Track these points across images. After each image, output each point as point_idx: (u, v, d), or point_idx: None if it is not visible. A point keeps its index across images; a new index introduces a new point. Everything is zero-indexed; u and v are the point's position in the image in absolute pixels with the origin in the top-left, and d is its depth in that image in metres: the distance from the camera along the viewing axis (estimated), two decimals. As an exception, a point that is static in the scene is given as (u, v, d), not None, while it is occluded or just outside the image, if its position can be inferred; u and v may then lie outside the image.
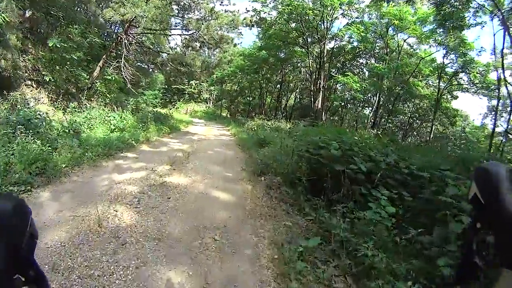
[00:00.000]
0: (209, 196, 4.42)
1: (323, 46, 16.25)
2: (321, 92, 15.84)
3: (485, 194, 0.58)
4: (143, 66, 27.76)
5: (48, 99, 9.97)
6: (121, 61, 11.07)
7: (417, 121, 25.75)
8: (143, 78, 28.68)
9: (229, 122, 21.33)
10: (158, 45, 16.82)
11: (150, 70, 32.00)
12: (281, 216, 3.91)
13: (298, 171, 5.01)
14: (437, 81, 18.93)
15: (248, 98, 30.79)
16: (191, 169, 5.94)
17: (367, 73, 22.28)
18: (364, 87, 15.18)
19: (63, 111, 9.16)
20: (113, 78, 13.26)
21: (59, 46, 8.96)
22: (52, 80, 9.34)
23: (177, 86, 36.80)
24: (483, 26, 10.74)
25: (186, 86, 36.99)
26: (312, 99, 16.96)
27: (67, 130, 6.63)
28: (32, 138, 4.89)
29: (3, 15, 7.37)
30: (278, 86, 27.62)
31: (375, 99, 22.14)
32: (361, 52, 20.97)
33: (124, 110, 12.07)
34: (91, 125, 8.27)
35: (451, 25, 10.10)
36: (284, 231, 3.42)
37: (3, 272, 0.47)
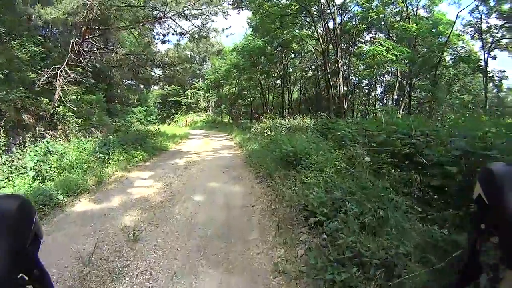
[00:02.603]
0: None
1: (333, 18, 12.83)
2: (341, 73, 12.35)
3: (489, 195, 0.55)
4: (131, 83, 25.27)
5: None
6: (60, 67, 8.02)
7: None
8: (132, 96, 26.35)
9: (232, 128, 18.35)
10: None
11: (142, 86, 29.56)
12: None
13: None
14: (476, 41, 15.69)
15: (248, 99, 27.66)
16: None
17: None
18: (401, 54, 11.59)
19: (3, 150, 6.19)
20: (79, 98, 10.46)
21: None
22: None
23: (172, 99, 34.29)
24: None
25: (182, 97, 34.58)
26: (330, 85, 13.51)
27: None
28: None
29: None
30: (279, 81, 24.38)
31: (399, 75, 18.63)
32: (373, 23, 17.61)
33: (99, 135, 9.22)
34: (10, 172, 5.21)
35: None
36: None
37: (8, 272, 0.45)
